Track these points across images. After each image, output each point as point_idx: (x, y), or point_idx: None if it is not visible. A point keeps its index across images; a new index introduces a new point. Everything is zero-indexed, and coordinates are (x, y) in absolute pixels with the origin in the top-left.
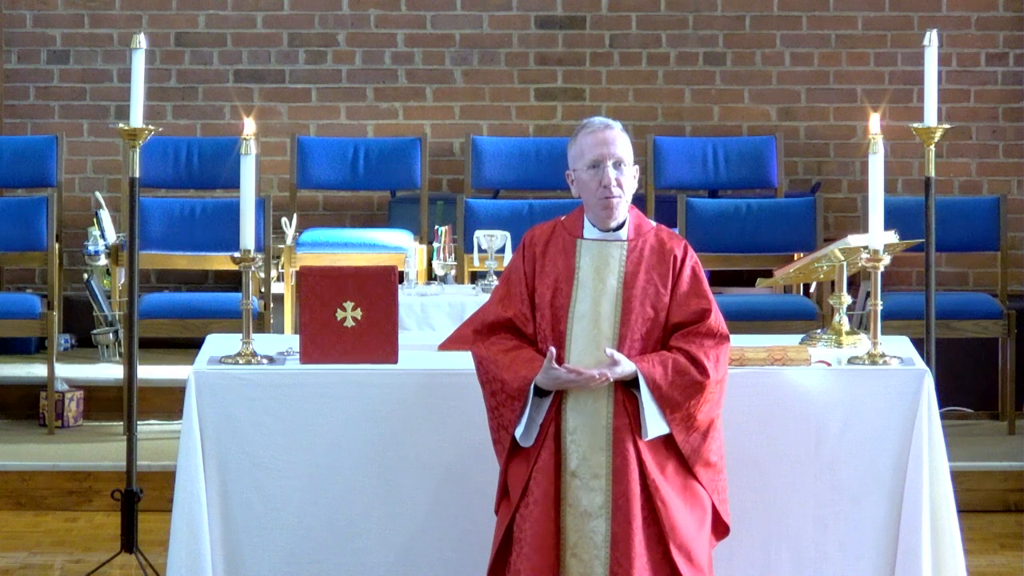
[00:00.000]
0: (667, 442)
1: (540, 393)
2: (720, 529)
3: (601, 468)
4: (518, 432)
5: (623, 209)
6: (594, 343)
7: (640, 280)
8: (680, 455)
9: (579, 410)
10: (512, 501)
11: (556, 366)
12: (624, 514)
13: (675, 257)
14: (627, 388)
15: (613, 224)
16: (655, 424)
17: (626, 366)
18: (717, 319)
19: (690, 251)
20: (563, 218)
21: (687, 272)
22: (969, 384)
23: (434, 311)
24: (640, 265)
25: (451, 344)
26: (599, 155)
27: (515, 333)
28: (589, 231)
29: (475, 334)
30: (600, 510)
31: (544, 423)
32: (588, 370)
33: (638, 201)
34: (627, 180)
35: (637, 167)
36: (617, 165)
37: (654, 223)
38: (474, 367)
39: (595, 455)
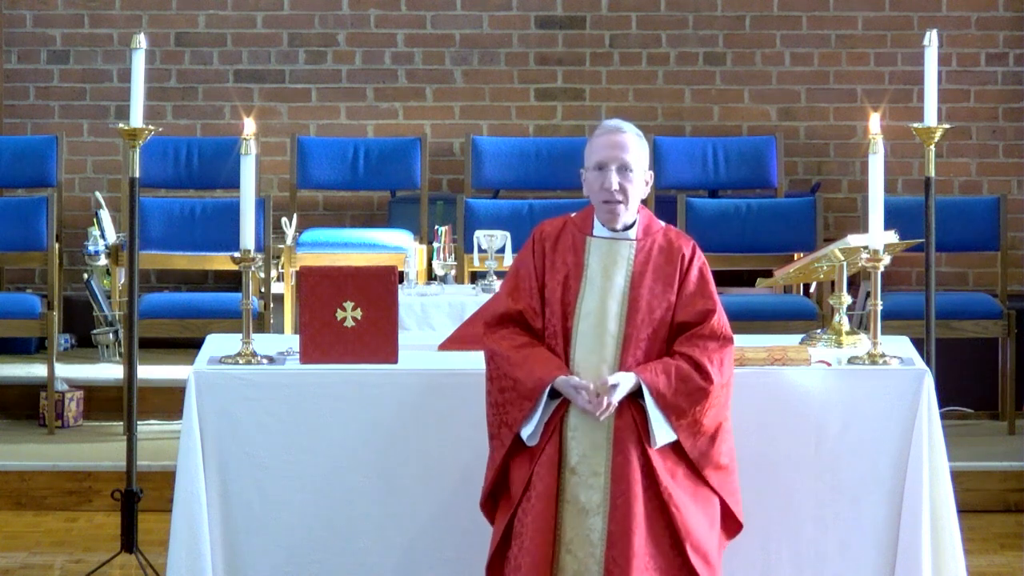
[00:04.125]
0: (676, 447)
1: (550, 395)
2: (733, 526)
3: (600, 466)
4: (526, 432)
5: (628, 213)
6: (599, 342)
7: (647, 280)
8: (689, 458)
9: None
10: (514, 497)
11: (584, 395)
12: (623, 513)
13: (683, 256)
14: (631, 395)
15: (618, 226)
16: (662, 432)
17: (627, 382)
18: (721, 320)
19: (698, 252)
20: (573, 215)
21: (694, 272)
22: (969, 384)
23: (434, 311)
24: (648, 265)
25: (451, 344)
26: (604, 158)
27: (524, 327)
28: (599, 229)
29: (485, 326)
30: (598, 507)
31: (550, 420)
32: (602, 398)
33: None
34: (633, 185)
35: (651, 172)
36: (622, 169)
37: (663, 223)
38: (484, 360)
39: (595, 453)
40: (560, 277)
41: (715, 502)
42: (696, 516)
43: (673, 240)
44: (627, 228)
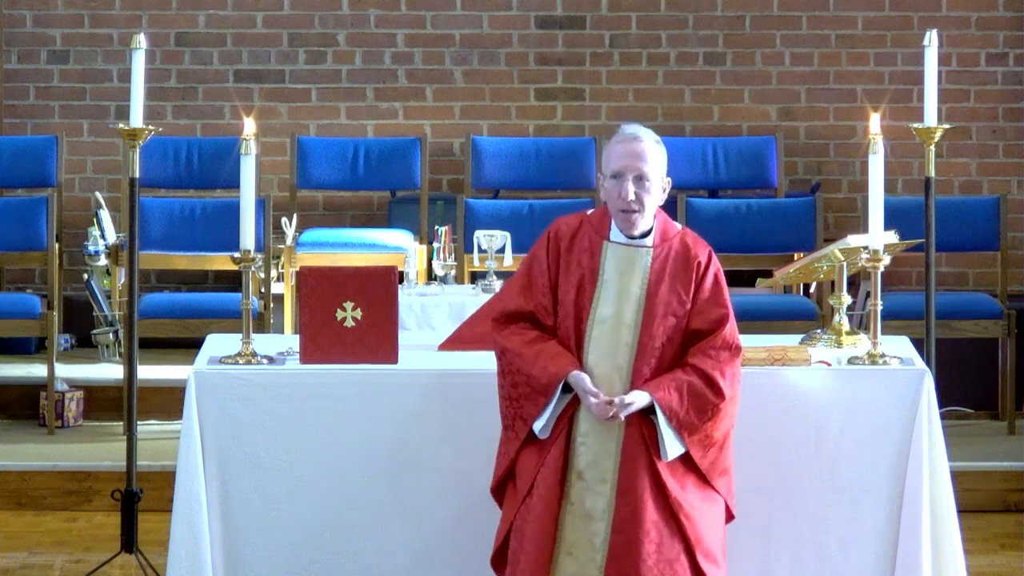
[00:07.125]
0: (685, 456)
1: (563, 388)
2: (727, 517)
3: (608, 473)
4: (538, 425)
5: (644, 221)
6: (614, 349)
7: (663, 288)
8: (697, 467)
9: (592, 415)
10: (520, 491)
11: (593, 401)
12: (630, 524)
13: (699, 263)
14: (642, 409)
15: (636, 233)
16: (674, 447)
17: (641, 401)
18: (732, 329)
19: (714, 258)
20: (589, 214)
21: (709, 279)
22: (969, 384)
23: (434, 311)
24: (664, 273)
25: (451, 344)
26: (621, 167)
27: (534, 324)
28: (616, 234)
29: (494, 322)
30: (603, 514)
31: (560, 418)
32: (610, 405)
33: None
34: (650, 194)
35: (668, 179)
36: (639, 179)
37: (679, 226)
38: (495, 355)
39: (604, 460)
40: (575, 279)
41: (721, 503)
42: (705, 522)
43: (690, 246)
44: (644, 235)
